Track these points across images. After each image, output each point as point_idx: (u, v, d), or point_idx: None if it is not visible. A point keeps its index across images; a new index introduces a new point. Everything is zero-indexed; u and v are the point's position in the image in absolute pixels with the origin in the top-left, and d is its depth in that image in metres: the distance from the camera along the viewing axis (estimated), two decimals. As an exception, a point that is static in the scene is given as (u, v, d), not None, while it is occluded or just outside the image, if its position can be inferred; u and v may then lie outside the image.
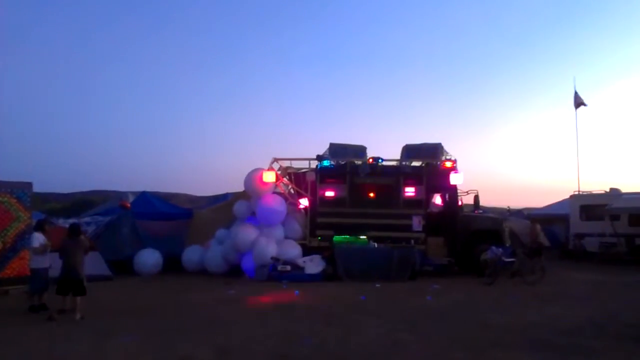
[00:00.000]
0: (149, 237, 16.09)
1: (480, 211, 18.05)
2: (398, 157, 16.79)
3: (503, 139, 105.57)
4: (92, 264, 12.93)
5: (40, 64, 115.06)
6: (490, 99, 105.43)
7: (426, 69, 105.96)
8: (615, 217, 18.80)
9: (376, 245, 14.73)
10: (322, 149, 16.46)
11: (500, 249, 14.00)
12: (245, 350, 6.78)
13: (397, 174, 16.06)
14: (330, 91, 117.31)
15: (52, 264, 9.64)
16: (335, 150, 16.40)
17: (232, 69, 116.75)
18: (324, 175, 16.09)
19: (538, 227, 15.48)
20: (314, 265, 14.32)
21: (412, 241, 15.05)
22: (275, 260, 14.30)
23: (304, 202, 16.24)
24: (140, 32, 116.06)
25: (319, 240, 15.61)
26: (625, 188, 21.21)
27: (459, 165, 15.99)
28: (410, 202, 15.86)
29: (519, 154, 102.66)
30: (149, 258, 15.41)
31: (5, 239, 11.33)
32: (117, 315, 9.16)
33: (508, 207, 26.72)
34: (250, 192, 15.74)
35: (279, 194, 16.18)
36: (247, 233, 14.83)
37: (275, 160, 16.17)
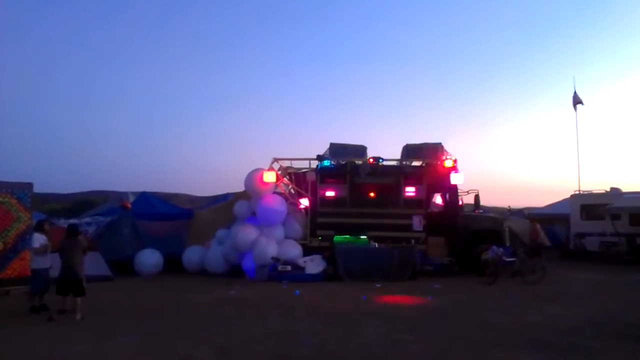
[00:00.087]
0: (150, 237, 16.10)
1: (481, 211, 18.06)
2: (398, 156, 16.79)
3: (503, 138, 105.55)
4: (93, 264, 12.95)
5: (40, 64, 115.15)
6: (491, 98, 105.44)
7: (426, 68, 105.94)
8: (615, 217, 18.80)
9: (377, 245, 14.74)
10: (323, 149, 16.51)
11: (501, 249, 14.00)
12: (246, 350, 6.78)
13: (398, 174, 16.06)
14: (331, 90, 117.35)
15: (52, 264, 9.64)
16: (336, 150, 16.41)
17: (232, 68, 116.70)
18: (324, 175, 16.10)
19: (538, 226, 15.48)
20: (314, 265, 14.33)
21: (413, 241, 15.07)
22: (276, 260, 14.31)
23: (304, 202, 16.25)
24: (139, 32, 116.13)
25: (320, 240, 15.62)
26: (625, 187, 21.26)
27: (459, 165, 16.00)
28: (410, 201, 15.87)
29: (520, 153, 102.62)
30: (150, 258, 15.42)
31: (5, 239, 11.32)
32: (117, 315, 9.17)
33: (509, 206, 26.70)
34: (250, 192, 15.74)
35: (280, 194, 16.19)
36: (247, 233, 14.84)
37: (276, 160, 16.17)
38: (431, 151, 16.33)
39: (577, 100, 24.42)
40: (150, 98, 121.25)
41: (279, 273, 13.96)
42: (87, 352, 6.68)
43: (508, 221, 17.03)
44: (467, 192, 17.61)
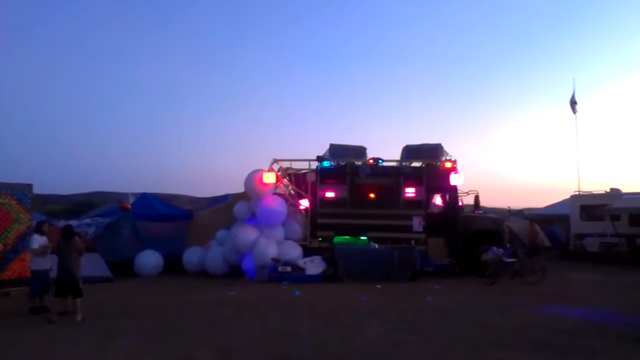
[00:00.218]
0: (150, 238, 16.11)
1: (481, 212, 18.07)
2: (398, 157, 16.81)
3: (503, 139, 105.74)
4: (93, 265, 12.98)
5: (40, 65, 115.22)
6: (491, 99, 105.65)
7: (426, 69, 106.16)
8: (615, 217, 18.81)
9: (377, 246, 14.73)
10: (322, 150, 16.53)
11: (501, 250, 14.00)
12: (246, 351, 6.78)
13: (398, 175, 16.07)
14: (331, 91, 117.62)
15: (52, 265, 9.62)
16: (336, 151, 16.41)
17: (232, 69, 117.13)
18: (324, 176, 16.10)
19: (537, 227, 15.48)
20: (314, 266, 14.32)
21: (413, 242, 15.06)
22: (276, 261, 14.31)
23: (304, 203, 16.25)
24: (140, 32, 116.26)
25: (320, 241, 15.62)
26: (625, 188, 21.26)
27: (459, 166, 16.04)
28: (410, 202, 15.87)
29: (519, 154, 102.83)
30: (150, 259, 15.43)
31: (5, 240, 11.37)
32: (117, 316, 9.16)
33: (508, 207, 26.77)
34: (250, 193, 15.75)
35: (279, 195, 16.19)
36: (247, 234, 14.84)
37: (276, 161, 16.18)
38: (431, 152, 16.35)
39: (572, 101, 24.35)
40: (150, 99, 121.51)
41: (279, 274, 13.96)
42: (87, 353, 6.68)
43: (508, 222, 17.05)
44: (467, 192, 17.64)
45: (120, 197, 20.40)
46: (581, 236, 20.09)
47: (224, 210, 17.46)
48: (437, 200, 17.00)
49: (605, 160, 78.65)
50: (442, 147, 16.32)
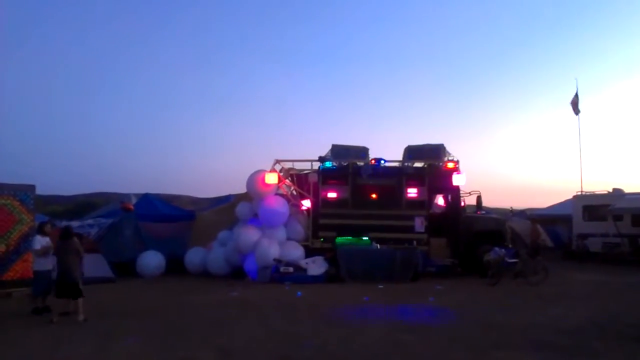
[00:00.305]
0: (152, 239, 16.13)
1: (483, 212, 18.03)
2: (400, 158, 16.79)
3: (505, 139, 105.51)
4: (95, 265, 13.01)
5: (41, 65, 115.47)
6: (493, 99, 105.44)
7: (428, 70, 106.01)
8: (618, 218, 18.77)
9: (379, 246, 14.73)
10: (325, 151, 16.56)
11: (503, 250, 13.99)
12: (248, 351, 6.79)
13: (400, 175, 16.06)
14: (332, 92, 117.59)
15: (54, 266, 9.64)
16: (338, 151, 16.42)
17: (234, 70, 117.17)
18: (326, 176, 16.11)
19: (538, 227, 15.44)
20: (316, 266, 14.33)
21: (415, 242, 15.05)
22: (278, 261, 14.32)
23: (306, 204, 16.26)
24: (141, 33, 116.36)
25: (322, 241, 15.63)
26: (628, 188, 21.18)
27: (461, 166, 16.03)
28: (412, 203, 15.86)
29: (522, 154, 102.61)
30: (152, 260, 15.45)
31: (8, 241, 11.39)
32: (119, 317, 9.18)
33: (511, 207, 26.76)
34: (252, 194, 15.76)
35: (282, 195, 16.19)
36: (249, 235, 14.85)
37: (278, 161, 16.18)
38: (433, 152, 16.34)
39: (573, 101, 24.24)
40: (152, 100, 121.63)
41: (281, 274, 13.98)
42: (89, 354, 6.69)
43: (510, 222, 17.03)
44: (469, 193, 17.60)
45: (122, 197, 20.42)
46: (584, 236, 20.06)
47: (226, 210, 17.48)
48: (440, 200, 16.99)
49: (607, 160, 78.48)
50: (444, 148, 16.32)
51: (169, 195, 40.75)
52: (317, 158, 16.30)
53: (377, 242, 14.87)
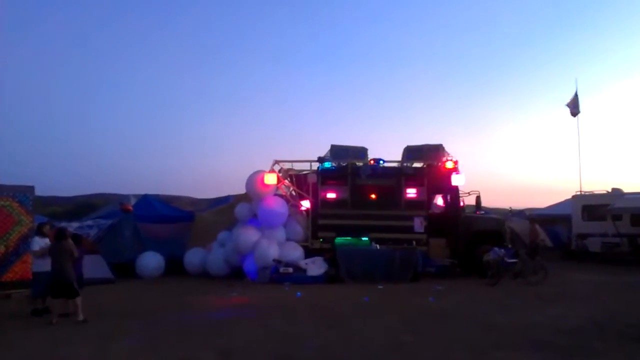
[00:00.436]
0: (151, 240, 16.12)
1: (482, 212, 18.03)
2: (399, 158, 16.78)
3: (505, 139, 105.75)
4: (94, 266, 12.99)
5: (41, 66, 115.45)
6: (492, 99, 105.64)
7: (427, 70, 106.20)
8: (617, 217, 18.78)
9: (378, 246, 14.73)
10: (324, 151, 16.53)
11: (503, 250, 13.99)
12: (247, 352, 6.78)
13: (399, 175, 16.05)
14: (331, 92, 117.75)
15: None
16: (337, 151, 16.40)
17: (233, 71, 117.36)
18: (325, 177, 16.10)
19: (537, 227, 15.44)
20: (316, 267, 14.33)
21: (414, 242, 15.04)
22: (277, 262, 14.31)
23: (305, 204, 16.24)
24: (141, 34, 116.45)
25: (321, 242, 15.62)
26: (627, 188, 21.24)
27: (460, 166, 16.01)
28: (411, 203, 15.86)
29: (521, 154, 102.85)
30: (151, 261, 15.44)
31: (7, 242, 11.37)
32: (119, 318, 9.17)
33: (510, 207, 26.77)
34: (251, 195, 15.75)
35: (281, 196, 16.18)
36: (248, 235, 14.84)
37: (277, 162, 16.18)
38: (432, 152, 16.32)
39: (572, 102, 24.22)
40: (151, 100, 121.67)
41: (280, 275, 13.97)
42: (88, 355, 6.68)
43: (509, 222, 17.03)
44: (469, 193, 17.59)
45: (121, 198, 20.42)
46: (583, 236, 20.06)
47: (226, 211, 17.46)
48: (439, 200, 16.97)
49: (607, 160, 78.63)
50: (443, 148, 16.31)
51: (168, 196, 40.80)
52: (316, 158, 16.30)
53: (376, 243, 14.87)
